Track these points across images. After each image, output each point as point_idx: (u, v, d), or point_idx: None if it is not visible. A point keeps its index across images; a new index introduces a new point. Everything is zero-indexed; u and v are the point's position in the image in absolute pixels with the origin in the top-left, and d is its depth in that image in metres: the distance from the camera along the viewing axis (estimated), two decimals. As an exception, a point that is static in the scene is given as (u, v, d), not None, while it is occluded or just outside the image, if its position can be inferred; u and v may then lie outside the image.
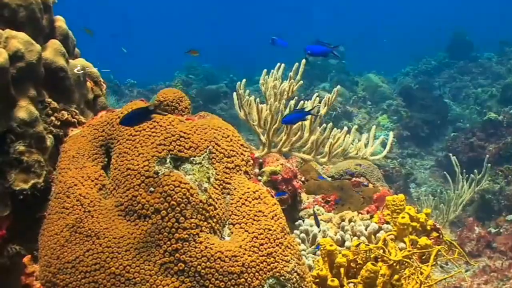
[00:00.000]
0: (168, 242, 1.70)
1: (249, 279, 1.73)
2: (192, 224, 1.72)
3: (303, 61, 2.14)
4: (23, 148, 1.82)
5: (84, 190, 1.81)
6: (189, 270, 1.68)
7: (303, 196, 3.02)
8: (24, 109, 1.83)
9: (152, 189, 1.74)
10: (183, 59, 12.31)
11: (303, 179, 3.13)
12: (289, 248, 1.88)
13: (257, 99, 2.11)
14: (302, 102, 2.10)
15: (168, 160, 1.80)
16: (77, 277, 1.69)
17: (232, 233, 1.83)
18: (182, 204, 1.72)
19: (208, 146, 1.88)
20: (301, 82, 2.15)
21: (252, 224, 1.84)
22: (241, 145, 1.99)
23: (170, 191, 1.72)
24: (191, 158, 1.84)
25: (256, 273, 1.76)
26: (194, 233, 1.72)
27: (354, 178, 3.09)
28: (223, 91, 10.32)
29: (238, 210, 1.85)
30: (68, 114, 1.98)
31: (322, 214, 2.90)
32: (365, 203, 2.94)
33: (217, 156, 1.89)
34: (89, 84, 2.18)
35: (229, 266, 1.72)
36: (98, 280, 1.67)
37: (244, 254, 1.76)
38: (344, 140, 2.12)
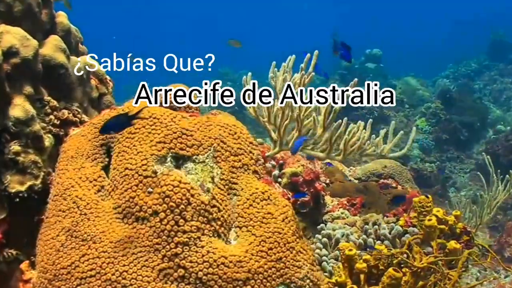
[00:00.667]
0: (167, 247, 1.58)
1: (256, 286, 1.60)
2: (193, 227, 1.60)
3: (315, 52, 1.99)
4: (19, 148, 1.73)
5: (81, 192, 1.70)
6: (190, 276, 1.56)
7: (327, 199, 2.87)
8: (20, 107, 1.74)
9: (150, 189, 1.63)
10: (219, 65, 12.26)
11: (327, 181, 2.98)
12: (302, 253, 1.74)
13: (267, 94, 1.98)
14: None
15: (168, 159, 1.68)
16: (73, 284, 1.58)
17: (238, 236, 1.70)
18: (182, 205, 1.60)
19: (212, 144, 1.76)
20: (313, 74, 2.00)
21: (260, 227, 1.70)
22: (250, 143, 1.86)
23: (169, 191, 1.60)
24: (194, 157, 1.72)
25: (264, 280, 1.62)
26: (195, 236, 1.60)
27: (381, 180, 2.93)
28: (258, 96, 10.23)
29: (245, 212, 1.72)
30: (69, 113, 1.89)
31: (347, 217, 2.75)
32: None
33: (223, 154, 1.77)
34: (93, 82, 2.09)
35: (233, 272, 1.59)
36: (94, 287, 1.57)
37: (250, 259, 1.62)
38: (360, 136, 1.96)
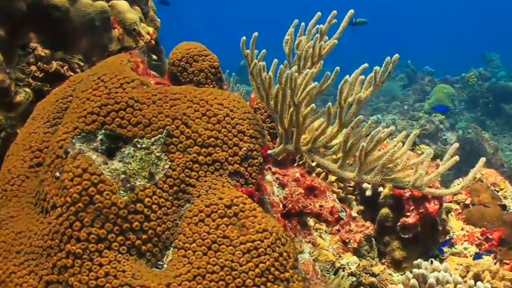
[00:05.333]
0: (59, 254, 1.16)
1: None
2: (92, 236, 1.14)
3: (350, 11, 1.27)
4: (-27, 100, 1.46)
5: (14, 163, 1.37)
6: (77, 301, 1.13)
7: (457, 225, 2.12)
8: (-21, 52, 1.46)
9: (57, 174, 1.22)
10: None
11: (468, 201, 2.19)
12: (270, 307, 1.16)
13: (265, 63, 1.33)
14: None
15: (99, 137, 1.24)
16: (-27, 274, 1.28)
17: (171, 260, 1.19)
18: (80, 203, 1.15)
19: (166, 126, 1.25)
20: (336, 41, 1.30)
21: (204, 254, 1.17)
22: (240, 132, 1.30)
23: (68, 181, 1.17)
24: (135, 140, 1.24)
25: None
26: (93, 249, 1.14)
27: (544, 213, 2.04)
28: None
29: (190, 229, 1.20)
30: (62, 66, 1.56)
31: (471, 256, 1.98)
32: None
33: (181, 142, 1.25)
34: (116, 32, 1.71)
35: (136, 311, 1.10)
36: (-14, 284, 1.24)
37: (169, 298, 1.12)
38: (393, 149, 1.19)
